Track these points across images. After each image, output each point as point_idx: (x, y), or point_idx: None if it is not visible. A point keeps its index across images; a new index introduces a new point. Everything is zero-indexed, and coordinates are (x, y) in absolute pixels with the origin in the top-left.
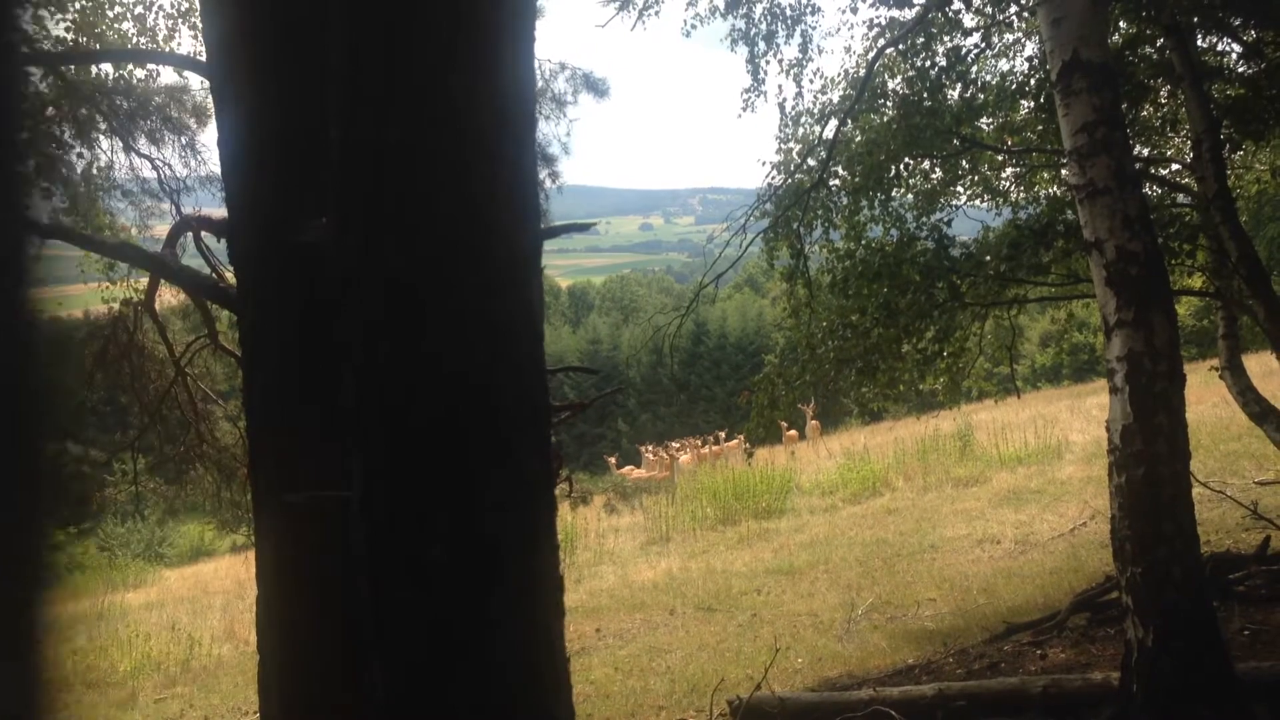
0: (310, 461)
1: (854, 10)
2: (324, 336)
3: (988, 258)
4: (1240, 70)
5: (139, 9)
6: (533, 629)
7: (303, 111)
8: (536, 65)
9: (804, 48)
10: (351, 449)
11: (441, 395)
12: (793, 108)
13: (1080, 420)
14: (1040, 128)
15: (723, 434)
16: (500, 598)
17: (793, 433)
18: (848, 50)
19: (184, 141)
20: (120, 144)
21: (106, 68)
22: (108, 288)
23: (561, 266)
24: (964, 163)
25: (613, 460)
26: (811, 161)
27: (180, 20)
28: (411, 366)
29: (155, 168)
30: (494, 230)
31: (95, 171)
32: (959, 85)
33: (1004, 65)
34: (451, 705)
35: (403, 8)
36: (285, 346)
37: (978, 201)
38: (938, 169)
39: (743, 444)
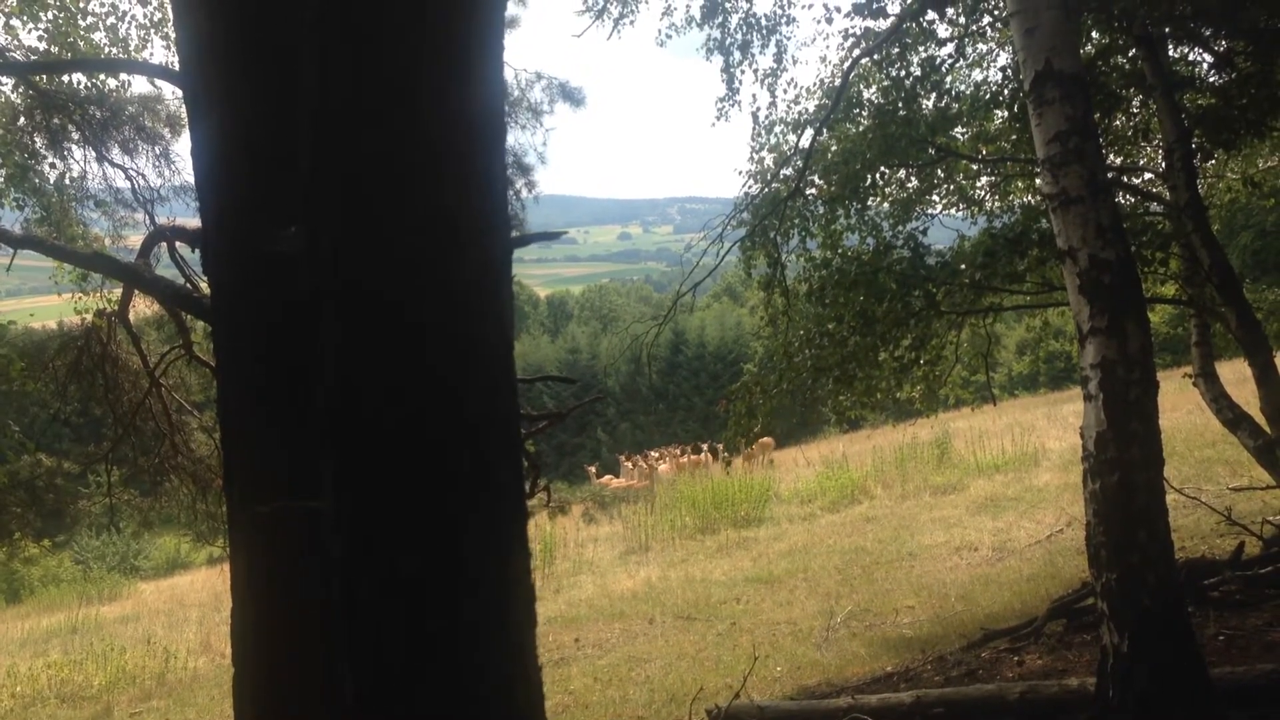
0: (284, 472)
1: (829, 20)
2: (296, 346)
3: (963, 266)
4: (1211, 80)
5: (111, 19)
6: (505, 638)
7: (276, 121)
8: (513, 75)
9: (779, 57)
10: (323, 458)
11: (412, 404)
12: (766, 116)
13: (1057, 427)
14: (1014, 137)
15: (704, 445)
16: (471, 606)
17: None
18: (823, 60)
19: (158, 151)
20: (93, 154)
21: (79, 77)
22: (81, 298)
23: (540, 276)
24: (939, 172)
25: (592, 469)
26: (788, 171)
27: (153, 30)
28: (381, 376)
29: (129, 177)
30: (464, 238)
31: (68, 181)
32: (934, 95)
33: (978, 75)
34: (422, 713)
35: (370, 16)
36: (258, 356)
37: (953, 210)
38: (913, 178)
39: (721, 453)
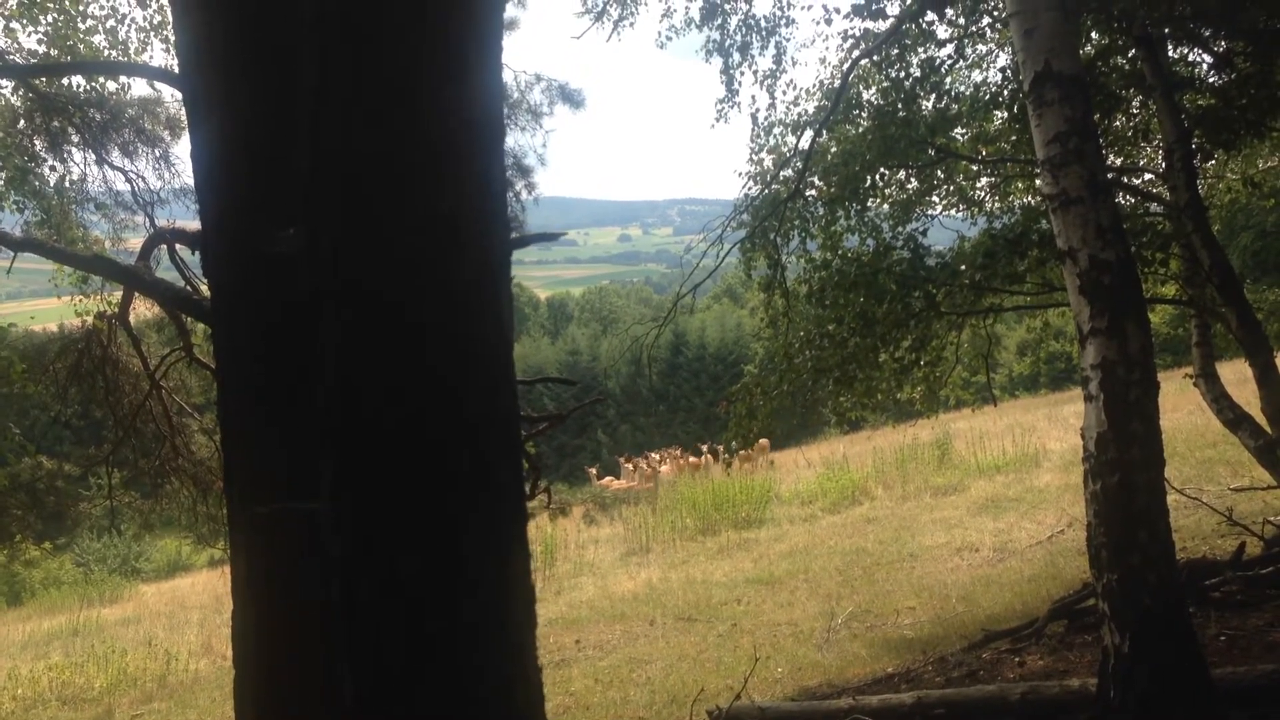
0: (283, 473)
1: (828, 22)
2: (296, 347)
3: (963, 267)
4: (1211, 80)
5: (111, 22)
6: (504, 639)
7: (276, 122)
8: (513, 77)
9: (778, 59)
10: (322, 459)
11: (412, 404)
12: (765, 118)
13: (1058, 428)
14: (1014, 138)
15: (703, 447)
16: (471, 607)
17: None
18: (823, 61)
19: (157, 154)
20: (93, 156)
21: (79, 80)
22: (81, 301)
23: (540, 278)
24: (939, 173)
25: (593, 471)
26: (788, 172)
27: (152, 33)
28: (381, 376)
29: (129, 180)
30: (464, 239)
31: (68, 184)
32: (933, 96)
33: (977, 76)
34: (421, 714)
35: (370, 17)
36: (258, 357)
37: (953, 211)
38: (913, 179)
39: (722, 454)
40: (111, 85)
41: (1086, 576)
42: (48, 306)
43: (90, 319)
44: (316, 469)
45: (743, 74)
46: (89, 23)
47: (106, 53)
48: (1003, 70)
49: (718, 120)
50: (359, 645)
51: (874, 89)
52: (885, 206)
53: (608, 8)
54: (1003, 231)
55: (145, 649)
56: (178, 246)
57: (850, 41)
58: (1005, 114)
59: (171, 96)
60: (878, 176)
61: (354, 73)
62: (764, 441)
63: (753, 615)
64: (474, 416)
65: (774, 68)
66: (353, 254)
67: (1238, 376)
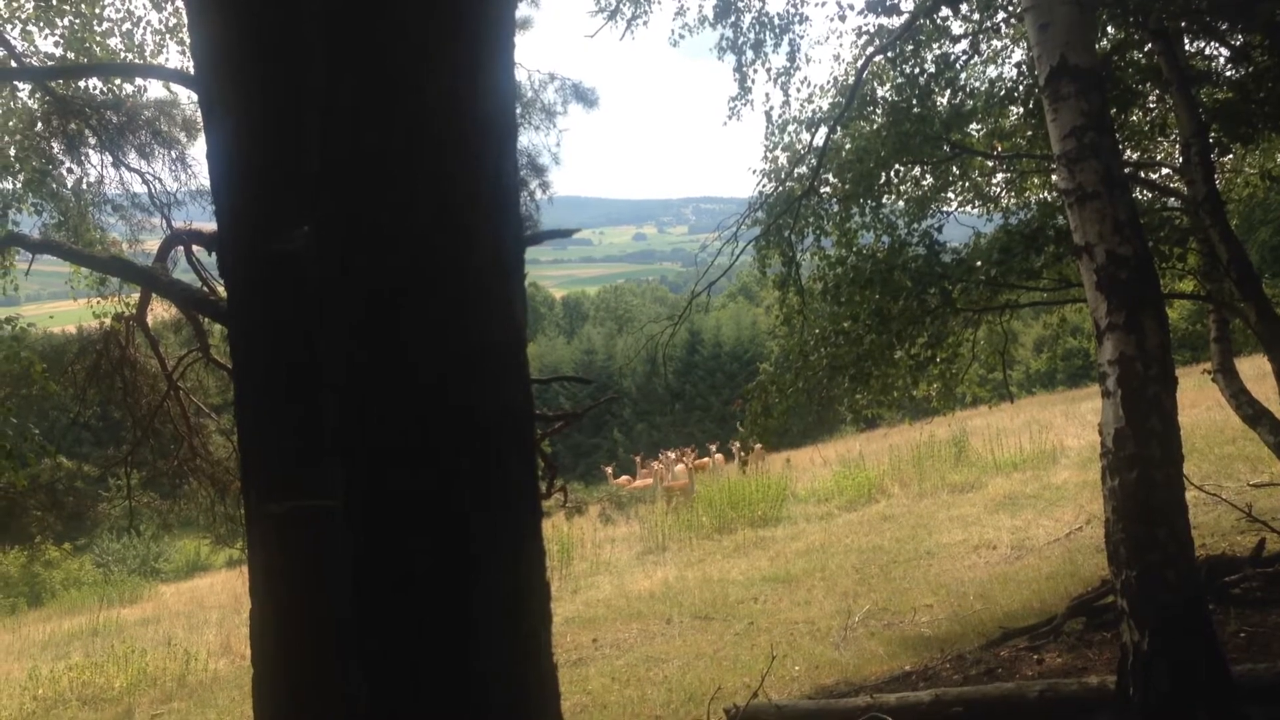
0: (300, 472)
1: (842, 18)
2: (307, 346)
3: (979, 263)
4: (1228, 74)
5: (127, 25)
6: (518, 637)
7: (289, 123)
8: (526, 76)
9: (792, 56)
10: (332, 457)
11: (422, 404)
12: (779, 116)
13: (1075, 425)
14: (1029, 133)
15: (712, 447)
16: (484, 606)
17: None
18: (837, 58)
19: (174, 155)
20: (110, 158)
21: (95, 83)
22: (99, 303)
23: (555, 277)
24: (954, 169)
25: (609, 470)
26: (802, 169)
27: (168, 35)
28: (391, 376)
29: (145, 182)
30: (474, 238)
31: (85, 186)
32: (948, 91)
33: (992, 71)
34: (432, 711)
35: (377, 14)
36: (272, 358)
37: (968, 207)
38: (928, 175)
39: (737, 452)
40: (128, 88)
41: (1105, 573)
42: (67, 308)
43: (108, 320)
44: (327, 469)
45: (756, 72)
46: (105, 25)
47: (123, 55)
48: (1018, 65)
49: (730, 118)
50: (370, 643)
51: (888, 85)
52: (900, 203)
53: (621, 6)
54: (1019, 227)
55: (165, 649)
56: (194, 248)
57: (864, 38)
58: (1021, 109)
59: (188, 98)
60: (892, 173)
61: (361, 71)
62: (759, 448)
63: (769, 613)
64: (483, 414)
65: (787, 65)
66: (360, 252)
67: (1257, 372)
